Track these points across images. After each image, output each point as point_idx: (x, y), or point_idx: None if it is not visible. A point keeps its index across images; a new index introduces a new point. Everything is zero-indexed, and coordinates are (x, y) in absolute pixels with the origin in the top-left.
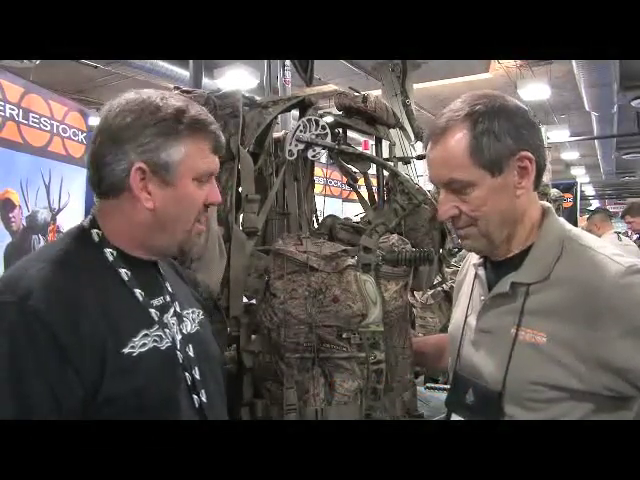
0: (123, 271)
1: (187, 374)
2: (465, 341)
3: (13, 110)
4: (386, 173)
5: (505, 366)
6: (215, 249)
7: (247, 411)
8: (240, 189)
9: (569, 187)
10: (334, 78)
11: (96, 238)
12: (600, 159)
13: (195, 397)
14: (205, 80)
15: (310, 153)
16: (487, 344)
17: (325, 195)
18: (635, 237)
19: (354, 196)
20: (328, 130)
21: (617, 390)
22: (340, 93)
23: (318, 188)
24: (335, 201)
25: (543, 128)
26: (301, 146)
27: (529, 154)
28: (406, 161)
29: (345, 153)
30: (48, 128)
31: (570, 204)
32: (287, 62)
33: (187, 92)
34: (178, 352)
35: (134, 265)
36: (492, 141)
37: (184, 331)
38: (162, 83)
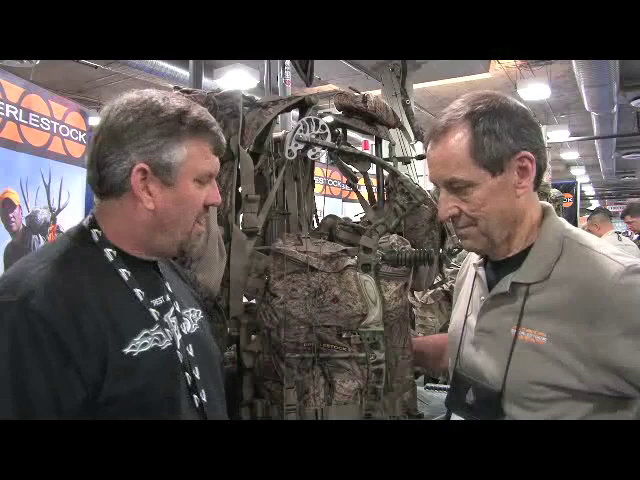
0: (123, 271)
1: (187, 374)
2: (465, 341)
3: (13, 110)
4: (386, 173)
5: (505, 366)
6: (215, 249)
7: (247, 411)
8: (240, 189)
9: (569, 187)
10: (334, 78)
11: (96, 238)
12: (600, 159)
13: (195, 397)
14: (205, 80)
15: (310, 153)
16: (487, 344)
17: (325, 195)
18: (635, 237)
19: (354, 196)
20: (328, 130)
21: (617, 390)
22: (340, 93)
23: (318, 188)
24: (335, 201)
25: (543, 128)
26: (301, 146)
27: (529, 154)
28: (406, 161)
29: (345, 153)
30: (48, 128)
31: (570, 204)
32: (287, 62)
33: (187, 92)
34: (178, 352)
35: (134, 265)
36: (493, 141)
37: (184, 331)
38: (162, 83)
